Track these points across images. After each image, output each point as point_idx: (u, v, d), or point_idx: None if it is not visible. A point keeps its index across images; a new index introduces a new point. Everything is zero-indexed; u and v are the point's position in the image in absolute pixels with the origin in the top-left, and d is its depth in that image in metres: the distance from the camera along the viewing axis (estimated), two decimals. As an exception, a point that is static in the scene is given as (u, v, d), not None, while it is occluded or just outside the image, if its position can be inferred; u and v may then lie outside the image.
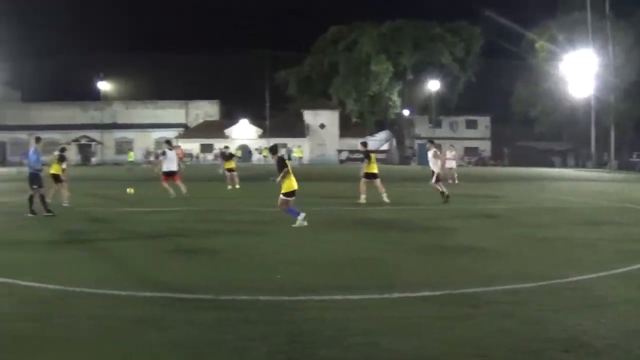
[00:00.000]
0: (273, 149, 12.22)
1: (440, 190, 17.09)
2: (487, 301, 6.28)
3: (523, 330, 5.35)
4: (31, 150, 14.06)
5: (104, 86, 76.39)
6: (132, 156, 53.33)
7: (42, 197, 13.78)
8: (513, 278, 7.27)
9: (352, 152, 63.05)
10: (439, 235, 10.96)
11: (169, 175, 18.26)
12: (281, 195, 11.52)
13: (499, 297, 6.45)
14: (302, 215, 11.69)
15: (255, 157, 65.61)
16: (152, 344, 4.93)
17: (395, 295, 6.43)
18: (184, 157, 49.19)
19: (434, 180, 17.07)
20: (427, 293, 6.50)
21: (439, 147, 18.93)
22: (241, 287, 6.74)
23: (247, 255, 8.88)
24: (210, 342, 4.96)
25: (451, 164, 24.66)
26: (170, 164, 18.03)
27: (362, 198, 16.62)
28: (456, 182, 24.36)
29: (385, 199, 16.83)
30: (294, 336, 5.10)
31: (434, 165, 17.10)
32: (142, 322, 5.52)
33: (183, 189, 18.02)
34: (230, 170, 22.36)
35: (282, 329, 5.34)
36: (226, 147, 25.03)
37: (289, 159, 52.48)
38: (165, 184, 18.22)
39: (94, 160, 68.29)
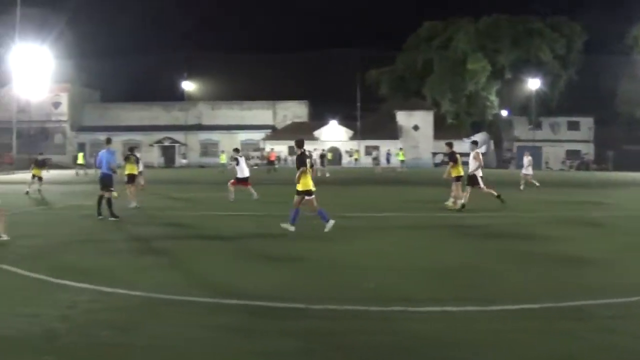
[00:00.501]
0: (299, 143, 14.25)
1: (487, 191, 19.20)
2: (593, 315, 7.22)
3: (632, 346, 6.18)
4: (103, 151, 17.31)
5: (188, 86, 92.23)
6: (224, 158, 63.33)
7: (109, 201, 16.76)
8: (620, 290, 8.32)
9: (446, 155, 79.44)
10: (539, 244, 12.48)
11: (241, 181, 22.71)
12: (296, 195, 13.85)
13: (605, 311, 7.37)
14: (331, 222, 13.72)
15: (346, 160, 77.92)
16: (243, 354, 6.02)
17: (495, 307, 7.53)
18: (275, 159, 59.34)
19: (481, 183, 19.21)
20: (528, 306, 7.55)
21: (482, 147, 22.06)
22: (331, 295, 8.04)
23: (336, 262, 10.54)
24: (302, 353, 6.03)
25: (528, 169, 29.59)
26: (243, 171, 22.81)
27: (459, 202, 19.27)
28: (537, 185, 28.80)
29: (451, 203, 19.71)
30: (388, 348, 6.09)
31: (473, 168, 19.26)
32: (232, 331, 6.65)
33: (254, 194, 22.31)
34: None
35: (376, 340, 6.32)
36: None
37: (388, 162, 62.45)
38: (232, 187, 22.54)
39: (184, 161, 80.00)
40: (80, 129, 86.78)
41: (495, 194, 19.70)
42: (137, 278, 9.47)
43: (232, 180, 22.82)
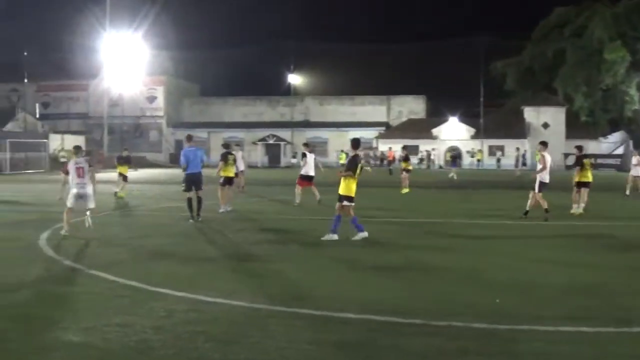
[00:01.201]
0: (355, 143, 14.73)
1: (541, 205, 18.77)
2: None
3: None
4: (192, 149, 17.83)
5: (295, 80, 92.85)
6: (343, 158, 63.21)
7: (190, 201, 17.27)
8: None
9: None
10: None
11: (307, 180, 23.05)
12: (340, 201, 14.09)
13: None
14: (364, 234, 14.00)
15: (467, 160, 77.11)
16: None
17: (636, 329, 7.44)
18: (394, 159, 61.32)
19: (537, 189, 18.95)
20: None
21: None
22: (454, 311, 8.00)
23: (458, 273, 10.55)
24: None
25: (637, 170, 30.40)
26: (310, 168, 23.20)
27: (577, 208, 20.15)
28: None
29: (575, 210, 20.26)
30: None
31: (539, 171, 19.14)
32: (343, 347, 6.73)
33: (317, 195, 22.57)
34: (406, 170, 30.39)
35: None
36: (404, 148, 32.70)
37: (524, 164, 59.60)
38: (299, 190, 22.91)
39: (294, 161, 79.36)
40: (178, 125, 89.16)
41: (543, 206, 18.91)
42: (238, 287, 9.62)
43: (299, 181, 23.18)
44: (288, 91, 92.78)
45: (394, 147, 77.67)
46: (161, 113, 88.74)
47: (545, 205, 18.70)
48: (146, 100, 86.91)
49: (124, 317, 7.88)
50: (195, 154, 17.74)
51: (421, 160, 75.43)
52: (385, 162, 73.62)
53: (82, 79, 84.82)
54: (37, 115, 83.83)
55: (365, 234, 14.10)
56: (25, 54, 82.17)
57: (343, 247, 13.60)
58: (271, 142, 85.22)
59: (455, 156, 53.19)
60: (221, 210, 20.21)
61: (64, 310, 8.28)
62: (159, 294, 9.09)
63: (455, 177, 44.84)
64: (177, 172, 31.52)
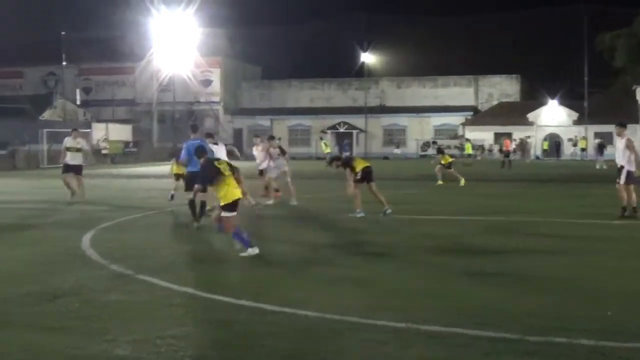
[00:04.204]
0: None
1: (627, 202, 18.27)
2: None
3: None
4: (198, 142, 16.74)
5: (368, 59, 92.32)
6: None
7: (193, 203, 16.41)
8: None
9: None
10: None
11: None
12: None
13: None
14: (254, 250, 12.45)
15: (569, 150, 77.01)
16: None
17: None
18: (510, 149, 57.97)
19: (622, 179, 18.33)
20: None
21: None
22: (555, 325, 7.87)
23: (560, 281, 10.46)
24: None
25: None
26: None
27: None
28: None
29: None
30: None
31: (623, 159, 18.41)
32: None
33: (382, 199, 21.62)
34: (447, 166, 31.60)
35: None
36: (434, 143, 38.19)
37: None
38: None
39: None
40: (236, 112, 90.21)
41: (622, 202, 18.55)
42: (305, 294, 9.66)
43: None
44: (361, 72, 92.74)
45: (483, 136, 77.06)
46: (217, 98, 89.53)
47: (624, 202, 18.38)
48: (200, 84, 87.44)
49: (178, 328, 7.97)
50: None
51: (515, 150, 73.94)
52: (487, 152, 72.88)
53: (128, 62, 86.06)
54: (78, 102, 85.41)
55: (255, 250, 12.59)
56: (64, 33, 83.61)
57: (427, 250, 13.61)
58: (342, 130, 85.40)
59: (601, 145, 52.55)
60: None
61: (111, 321, 8.41)
62: (217, 302, 9.19)
63: (604, 167, 45.36)
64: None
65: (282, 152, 23.49)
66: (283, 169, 22.94)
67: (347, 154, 46.43)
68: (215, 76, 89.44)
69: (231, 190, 12.62)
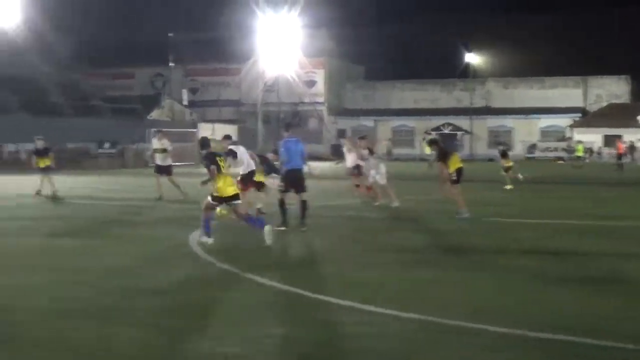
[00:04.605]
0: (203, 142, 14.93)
1: None
2: None
3: None
4: (293, 139, 16.81)
5: (473, 59, 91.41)
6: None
7: (284, 203, 16.32)
8: None
9: None
10: None
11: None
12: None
13: None
14: (209, 240, 13.83)
15: None
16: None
17: None
18: (624, 152, 57.46)
19: None
20: None
21: None
22: None
23: None
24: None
25: None
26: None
27: None
28: None
29: None
30: None
31: None
32: None
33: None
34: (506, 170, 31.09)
35: None
36: (499, 144, 34.23)
37: None
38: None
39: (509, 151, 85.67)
40: (340, 112, 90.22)
41: None
42: (409, 297, 9.73)
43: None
44: (465, 73, 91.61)
45: (591, 138, 75.33)
46: (321, 99, 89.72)
47: None
48: (305, 85, 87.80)
49: (284, 327, 8.10)
50: (297, 146, 16.78)
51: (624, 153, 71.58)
52: (596, 154, 71.45)
53: (233, 63, 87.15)
54: (185, 103, 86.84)
55: (210, 240, 13.91)
56: (171, 35, 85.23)
57: (528, 254, 13.54)
58: (446, 131, 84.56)
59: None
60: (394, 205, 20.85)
61: (219, 318, 8.61)
62: (324, 303, 9.27)
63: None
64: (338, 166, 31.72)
65: (371, 152, 23.30)
66: (380, 170, 22.74)
67: None
68: (320, 77, 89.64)
69: (226, 187, 13.89)
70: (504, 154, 32.89)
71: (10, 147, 53.31)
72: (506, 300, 9.57)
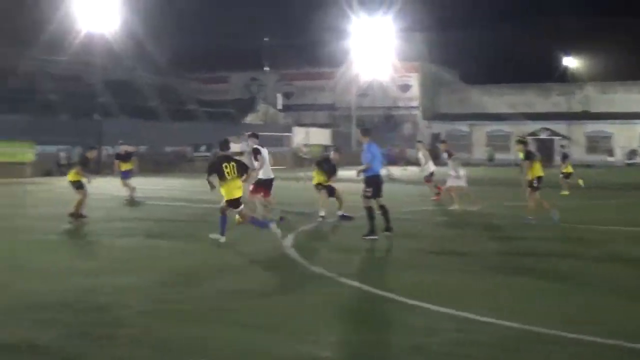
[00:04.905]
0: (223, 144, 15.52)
1: None
2: None
3: None
4: (373, 144, 16.43)
5: (571, 63, 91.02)
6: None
7: (372, 210, 15.75)
8: None
9: None
10: None
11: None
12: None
13: None
14: (221, 238, 14.70)
15: None
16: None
17: None
18: None
19: None
20: None
21: None
22: None
23: None
24: None
25: None
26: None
27: None
28: None
29: None
30: None
31: None
32: None
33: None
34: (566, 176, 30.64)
35: None
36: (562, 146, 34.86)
37: None
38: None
39: (612, 159, 78.11)
40: (434, 117, 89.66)
41: None
42: (508, 304, 9.59)
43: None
44: (563, 77, 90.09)
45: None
46: (415, 103, 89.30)
47: None
48: (399, 89, 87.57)
49: (379, 332, 8.08)
50: (378, 151, 16.46)
51: None
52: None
53: (328, 67, 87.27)
54: (279, 107, 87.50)
55: (223, 239, 14.79)
56: (266, 39, 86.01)
57: (634, 262, 13.25)
58: (543, 136, 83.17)
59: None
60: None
61: (314, 321, 8.61)
62: (420, 309, 9.18)
63: None
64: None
65: (449, 155, 23.20)
66: (459, 174, 22.63)
67: None
68: (414, 81, 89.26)
69: (232, 190, 14.74)
70: (565, 157, 32.62)
71: (109, 150, 54.54)
72: (598, 310, 9.44)
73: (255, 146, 18.76)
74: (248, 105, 79.57)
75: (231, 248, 14.44)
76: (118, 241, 15.30)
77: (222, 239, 14.73)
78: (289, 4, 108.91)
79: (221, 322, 8.55)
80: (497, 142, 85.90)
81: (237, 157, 16.29)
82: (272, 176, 18.71)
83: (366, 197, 15.90)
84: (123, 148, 26.79)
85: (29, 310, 9.00)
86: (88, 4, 50.62)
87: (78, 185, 18.87)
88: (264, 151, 18.65)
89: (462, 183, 22.59)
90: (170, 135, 55.63)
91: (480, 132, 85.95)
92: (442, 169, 24.80)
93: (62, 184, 22.63)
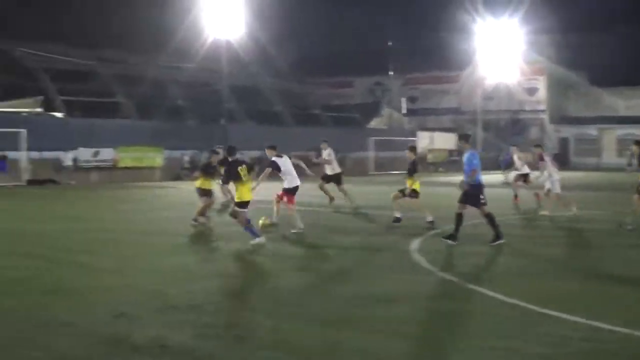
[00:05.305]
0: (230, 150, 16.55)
1: None
2: None
3: None
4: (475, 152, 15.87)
5: None
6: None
7: (461, 217, 15.47)
8: None
9: None
10: None
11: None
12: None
13: None
14: (260, 240, 15.74)
15: None
16: None
17: None
18: None
19: None
20: None
21: None
22: None
23: None
24: None
25: None
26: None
27: None
28: None
29: None
30: None
31: None
32: None
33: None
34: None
35: None
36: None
37: None
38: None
39: None
40: (562, 120, 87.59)
41: None
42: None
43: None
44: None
45: None
46: (543, 107, 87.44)
47: None
48: (525, 92, 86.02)
49: (509, 340, 8.01)
50: (478, 159, 15.85)
51: None
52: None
53: (453, 70, 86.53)
54: (404, 111, 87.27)
55: (263, 239, 15.26)
56: (390, 43, 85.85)
57: None
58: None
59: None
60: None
61: (443, 329, 8.67)
62: (551, 317, 9.06)
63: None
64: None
65: (541, 158, 22.55)
66: (553, 178, 21.96)
67: None
68: (541, 84, 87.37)
69: (245, 193, 15.57)
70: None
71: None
72: None
73: (272, 159, 18.73)
74: (372, 110, 79.81)
75: (357, 251, 14.50)
76: (244, 245, 15.52)
77: (261, 240, 15.35)
78: (413, 8, 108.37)
79: (350, 327, 8.63)
80: (628, 147, 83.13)
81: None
82: (297, 184, 18.97)
83: (484, 205, 15.54)
84: (220, 154, 27.34)
85: (159, 312, 9.33)
86: (214, 11, 51.75)
87: (203, 193, 19.00)
88: (284, 161, 18.74)
89: (556, 188, 21.95)
90: (294, 140, 56.21)
91: (610, 136, 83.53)
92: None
93: (189, 187, 23.16)
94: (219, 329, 8.56)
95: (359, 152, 58.47)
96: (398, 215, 19.26)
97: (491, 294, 10.37)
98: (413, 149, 20.35)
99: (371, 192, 30.73)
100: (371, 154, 59.96)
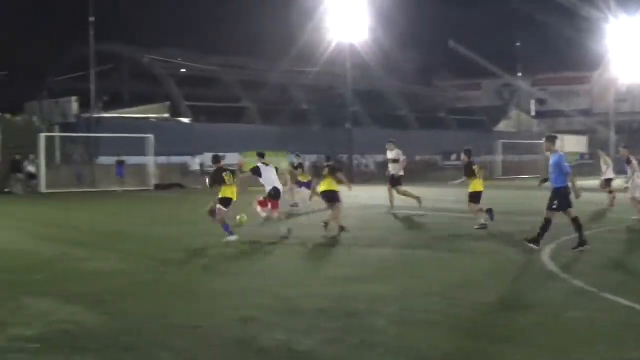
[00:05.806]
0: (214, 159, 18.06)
1: None
2: None
3: None
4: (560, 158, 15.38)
5: None
6: None
7: (577, 222, 14.91)
8: None
9: None
10: None
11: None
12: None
13: None
14: (233, 238, 16.93)
15: None
16: None
17: None
18: None
19: None
20: None
21: None
22: None
23: None
24: None
25: None
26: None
27: None
28: None
29: None
30: None
31: None
32: None
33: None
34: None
35: None
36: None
37: None
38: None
39: None
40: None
41: None
42: None
43: None
44: None
45: None
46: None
47: None
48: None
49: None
50: (565, 162, 15.45)
51: None
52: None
53: (583, 71, 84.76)
54: (533, 113, 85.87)
55: (235, 237, 16.89)
56: (518, 44, 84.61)
57: None
58: None
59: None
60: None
61: (574, 338, 8.44)
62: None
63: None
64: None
65: (629, 162, 21.80)
66: (637, 183, 21.25)
67: None
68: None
69: (228, 192, 17.37)
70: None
71: (359, 159, 55.73)
72: None
73: (258, 164, 19.23)
74: (500, 113, 78.79)
75: (484, 257, 14.36)
76: (371, 250, 15.51)
77: (234, 238, 16.97)
78: (540, 7, 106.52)
79: (476, 336, 8.54)
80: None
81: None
82: (276, 186, 18.93)
83: (551, 210, 15.16)
84: (297, 160, 27.80)
85: (286, 316, 9.40)
86: (338, 15, 52.08)
87: (330, 198, 18.98)
88: (267, 169, 18.93)
89: (635, 193, 21.20)
90: (420, 143, 56.07)
91: None
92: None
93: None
94: (345, 334, 8.52)
95: (485, 156, 57.70)
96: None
97: (628, 303, 10.05)
98: (468, 152, 20.78)
99: (500, 197, 30.09)
100: (499, 157, 59.06)
